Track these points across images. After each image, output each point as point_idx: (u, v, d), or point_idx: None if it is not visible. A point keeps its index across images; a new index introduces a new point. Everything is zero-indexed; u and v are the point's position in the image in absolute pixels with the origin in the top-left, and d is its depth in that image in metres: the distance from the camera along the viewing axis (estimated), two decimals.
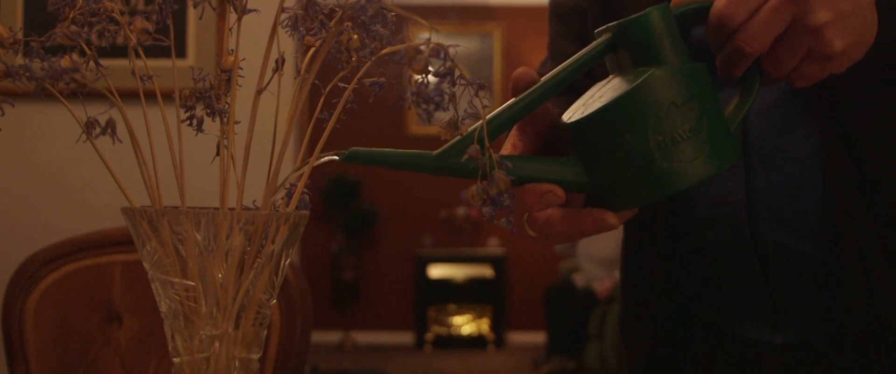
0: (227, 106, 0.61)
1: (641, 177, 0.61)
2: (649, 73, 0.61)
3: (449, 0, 6.62)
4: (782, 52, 0.63)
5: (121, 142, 0.60)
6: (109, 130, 0.60)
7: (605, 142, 0.62)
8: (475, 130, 0.59)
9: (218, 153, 0.60)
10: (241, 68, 0.61)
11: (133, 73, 0.61)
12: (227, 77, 0.60)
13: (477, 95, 0.54)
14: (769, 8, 0.61)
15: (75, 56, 0.57)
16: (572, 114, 0.65)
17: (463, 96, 0.55)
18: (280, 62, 0.62)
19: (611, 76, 0.66)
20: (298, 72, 0.61)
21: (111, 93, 0.62)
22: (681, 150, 0.61)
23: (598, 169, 0.63)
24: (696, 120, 0.61)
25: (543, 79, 0.64)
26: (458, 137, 0.61)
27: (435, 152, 0.62)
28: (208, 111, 0.61)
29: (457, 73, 0.53)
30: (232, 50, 0.61)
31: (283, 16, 0.58)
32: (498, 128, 0.64)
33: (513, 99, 0.63)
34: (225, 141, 0.60)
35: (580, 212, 0.64)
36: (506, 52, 6.80)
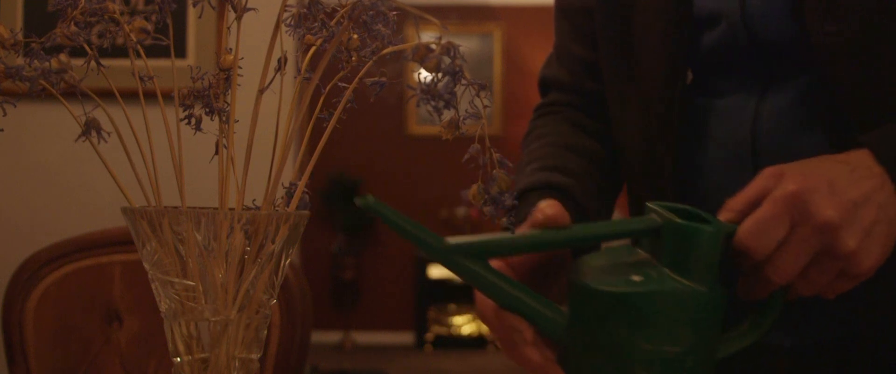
0: (226, 105, 0.61)
1: (612, 371, 0.61)
2: (670, 286, 0.60)
3: (449, 0, 6.61)
4: (814, 276, 0.62)
5: (105, 141, 0.60)
6: (94, 131, 0.60)
7: (598, 322, 0.62)
8: (490, 241, 0.61)
9: (217, 152, 0.60)
10: (241, 68, 0.61)
11: (134, 73, 0.61)
12: (225, 76, 0.60)
13: (478, 96, 0.54)
14: (797, 240, 0.61)
15: (64, 56, 0.57)
16: (586, 270, 0.64)
17: (463, 96, 0.55)
18: (283, 61, 0.61)
19: (639, 254, 0.65)
20: (299, 71, 0.61)
21: (113, 93, 0.62)
22: (661, 366, 0.61)
23: (579, 337, 0.63)
24: (689, 346, 0.61)
25: (574, 229, 0.63)
26: (478, 239, 0.61)
27: (450, 241, 0.62)
28: (206, 110, 0.60)
29: (460, 73, 0.53)
30: (230, 49, 0.61)
31: (286, 14, 0.58)
32: (512, 253, 0.65)
33: (537, 231, 0.63)
34: (224, 140, 0.60)
35: (545, 363, 0.65)
36: (506, 52, 6.80)
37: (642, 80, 0.89)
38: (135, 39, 0.58)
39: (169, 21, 0.61)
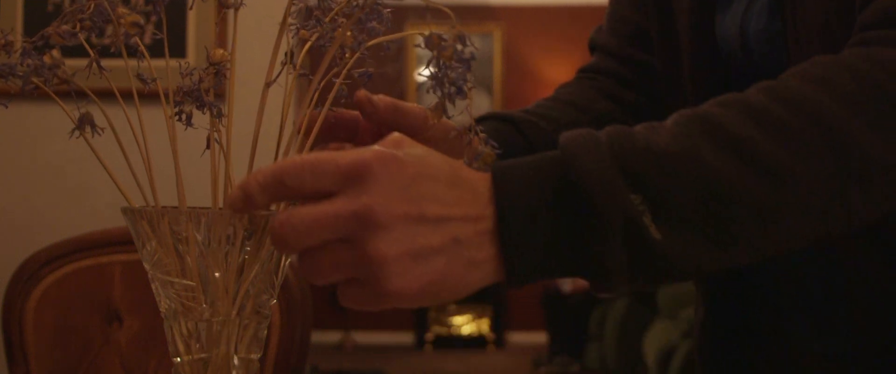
0: (216, 100, 0.61)
1: None
2: None
3: (449, 0, 6.62)
4: (324, 261, 0.52)
5: (100, 135, 0.60)
6: (88, 125, 0.60)
7: None
8: None
9: (208, 146, 0.60)
10: (238, 64, 0.61)
11: (138, 73, 0.61)
12: (214, 71, 0.60)
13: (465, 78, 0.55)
14: (327, 212, 0.51)
15: (56, 52, 0.57)
16: None
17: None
18: (289, 56, 0.61)
19: None
20: (294, 67, 0.61)
21: (109, 92, 0.62)
22: None
23: None
24: None
25: None
26: None
27: None
28: (197, 104, 0.60)
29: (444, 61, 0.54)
30: (221, 44, 0.61)
31: (293, 8, 0.58)
32: None
33: None
34: (216, 136, 0.60)
35: None
36: (506, 52, 6.80)
37: (683, 80, 0.89)
38: (131, 33, 0.58)
39: (163, 16, 0.61)
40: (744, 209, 0.54)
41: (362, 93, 0.63)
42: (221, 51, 0.60)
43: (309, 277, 0.53)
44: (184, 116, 0.61)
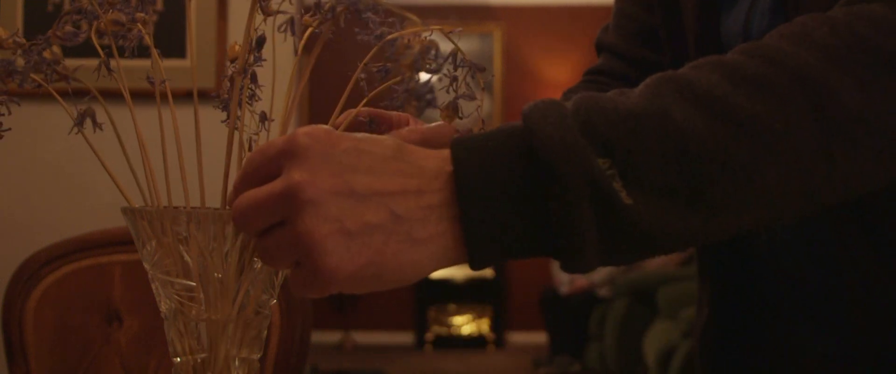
0: (255, 99, 0.61)
1: None
2: None
3: (449, 0, 6.61)
4: (270, 245, 0.51)
5: (101, 129, 0.60)
6: (90, 119, 0.60)
7: None
8: None
9: (251, 148, 0.60)
10: (264, 59, 0.60)
11: (148, 76, 0.61)
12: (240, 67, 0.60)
13: (474, 76, 0.54)
14: (263, 193, 0.50)
15: (57, 48, 0.57)
16: None
17: (464, 80, 0.54)
18: (288, 23, 0.61)
19: None
20: (296, 52, 0.60)
21: (108, 92, 0.62)
22: None
23: None
24: None
25: None
26: None
27: None
28: (250, 93, 0.60)
29: (459, 56, 0.53)
30: (221, 44, 0.61)
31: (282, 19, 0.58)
32: None
33: None
34: (253, 137, 0.60)
35: None
36: (506, 52, 6.80)
37: None
38: (117, 32, 0.58)
39: (149, 17, 0.60)
40: (718, 167, 0.50)
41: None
42: (237, 47, 0.59)
43: (264, 262, 0.52)
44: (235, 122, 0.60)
